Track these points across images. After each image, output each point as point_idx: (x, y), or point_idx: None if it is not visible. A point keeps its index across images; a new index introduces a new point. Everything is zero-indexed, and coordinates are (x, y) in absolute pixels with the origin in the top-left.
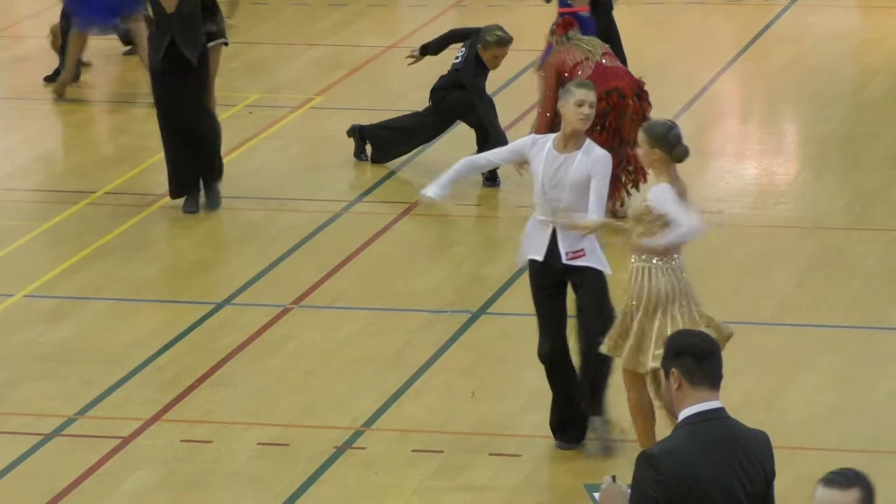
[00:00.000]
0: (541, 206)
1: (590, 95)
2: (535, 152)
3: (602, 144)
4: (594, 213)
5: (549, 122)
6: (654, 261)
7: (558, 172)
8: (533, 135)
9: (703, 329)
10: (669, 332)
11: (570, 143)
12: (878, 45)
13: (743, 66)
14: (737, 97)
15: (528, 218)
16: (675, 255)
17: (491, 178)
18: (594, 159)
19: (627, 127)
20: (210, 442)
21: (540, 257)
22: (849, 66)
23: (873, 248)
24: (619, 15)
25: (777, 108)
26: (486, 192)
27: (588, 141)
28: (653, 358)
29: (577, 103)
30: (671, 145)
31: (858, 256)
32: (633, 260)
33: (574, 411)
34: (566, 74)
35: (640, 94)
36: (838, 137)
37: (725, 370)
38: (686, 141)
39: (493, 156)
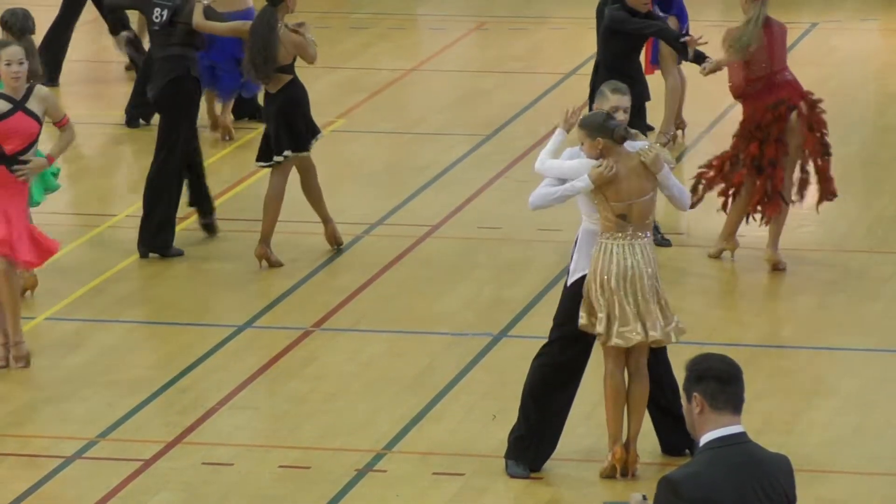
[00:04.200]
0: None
1: (623, 101)
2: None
3: (767, 155)
4: (684, 196)
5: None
6: (618, 236)
7: None
8: (570, 150)
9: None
10: (630, 310)
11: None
12: None
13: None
14: None
15: (582, 232)
16: (640, 234)
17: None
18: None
19: (793, 139)
20: (231, 464)
21: None
22: (870, 90)
23: (894, 271)
24: None
25: None
26: (507, 213)
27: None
28: (616, 335)
29: (612, 109)
30: (610, 131)
31: (880, 279)
32: (603, 238)
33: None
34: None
35: (812, 104)
36: (860, 161)
37: (746, 393)
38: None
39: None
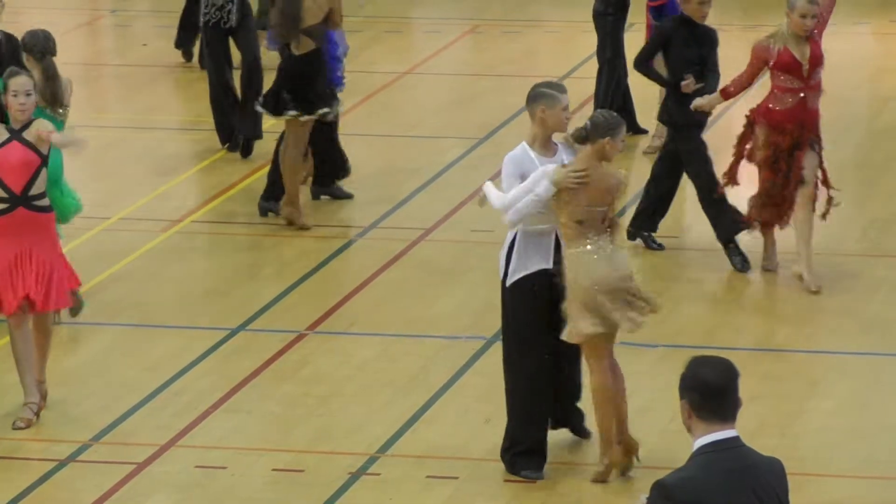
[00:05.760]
0: (542, 214)
1: (564, 99)
2: (528, 167)
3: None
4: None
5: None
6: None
7: None
8: (509, 155)
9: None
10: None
11: (551, 145)
12: (892, 73)
13: (759, 91)
14: None
15: (514, 235)
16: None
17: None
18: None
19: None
20: (224, 468)
21: (549, 265)
22: (864, 93)
23: (888, 274)
24: (639, 40)
25: None
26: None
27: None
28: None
29: (564, 108)
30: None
31: (873, 282)
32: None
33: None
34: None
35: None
36: (853, 164)
37: (740, 396)
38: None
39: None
